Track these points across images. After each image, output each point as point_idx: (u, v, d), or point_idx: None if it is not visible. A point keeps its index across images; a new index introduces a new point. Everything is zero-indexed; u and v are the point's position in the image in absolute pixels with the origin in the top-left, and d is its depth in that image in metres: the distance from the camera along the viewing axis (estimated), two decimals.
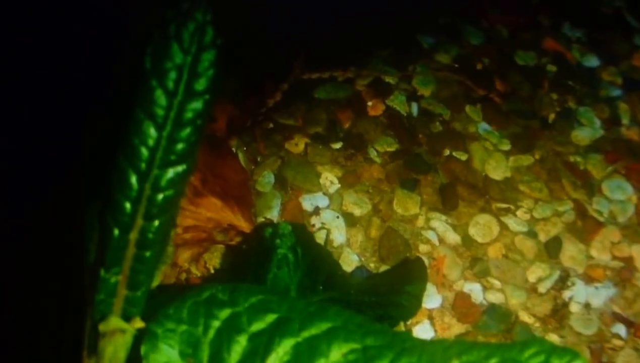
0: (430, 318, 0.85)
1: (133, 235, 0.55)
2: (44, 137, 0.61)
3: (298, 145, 0.95)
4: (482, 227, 0.91)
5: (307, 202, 0.91)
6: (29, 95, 0.60)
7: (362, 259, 0.88)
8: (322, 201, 0.91)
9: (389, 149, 0.96)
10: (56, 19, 0.60)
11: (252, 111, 0.97)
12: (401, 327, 0.82)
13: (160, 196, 0.54)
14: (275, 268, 0.72)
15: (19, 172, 0.61)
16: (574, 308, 0.87)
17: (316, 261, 0.75)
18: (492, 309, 0.86)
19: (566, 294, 0.88)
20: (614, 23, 1.17)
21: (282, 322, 0.48)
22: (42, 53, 0.61)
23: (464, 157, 0.97)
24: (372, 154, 0.95)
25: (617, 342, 0.85)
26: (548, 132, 1.02)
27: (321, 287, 0.73)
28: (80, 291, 0.58)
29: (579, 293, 0.88)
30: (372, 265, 0.87)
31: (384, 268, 0.87)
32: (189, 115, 0.53)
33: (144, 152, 0.53)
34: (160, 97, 0.52)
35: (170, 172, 0.54)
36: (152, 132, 0.53)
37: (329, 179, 0.93)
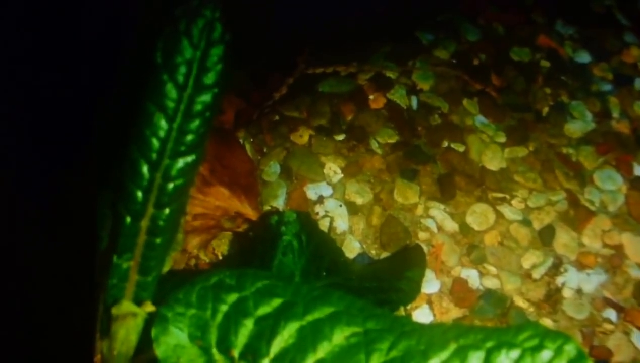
0: (429, 302, 0.85)
1: (144, 223, 0.55)
2: (54, 130, 0.61)
3: (303, 136, 0.95)
4: (478, 216, 0.91)
5: (312, 191, 0.91)
6: (36, 90, 0.60)
7: (364, 246, 0.87)
8: (325, 190, 0.91)
9: (389, 141, 0.96)
10: (61, 15, 0.60)
11: (259, 104, 0.97)
12: (401, 311, 0.82)
13: (171, 185, 0.54)
14: (281, 255, 0.72)
15: (31, 164, 0.61)
16: (566, 293, 0.87)
17: (320, 248, 0.75)
18: (488, 294, 0.86)
19: (559, 280, 0.88)
20: (604, 21, 1.17)
21: (287, 306, 0.48)
22: (48, 49, 0.60)
23: (461, 149, 0.97)
24: (374, 145, 0.95)
25: (608, 326, 0.85)
26: (542, 124, 1.01)
27: (324, 273, 0.73)
28: (93, 276, 0.58)
29: (571, 279, 0.88)
30: (373, 251, 0.87)
31: (384, 254, 0.87)
32: (198, 107, 0.53)
33: (155, 142, 0.53)
34: (171, 91, 0.52)
35: (180, 162, 0.54)
36: (163, 123, 0.53)
37: (333, 169, 0.92)
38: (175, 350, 0.48)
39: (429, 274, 0.86)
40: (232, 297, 0.49)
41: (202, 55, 0.52)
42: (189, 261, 0.84)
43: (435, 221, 0.90)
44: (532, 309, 0.85)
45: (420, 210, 0.91)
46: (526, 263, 0.88)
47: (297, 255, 0.72)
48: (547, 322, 0.85)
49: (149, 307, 0.56)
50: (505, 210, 0.92)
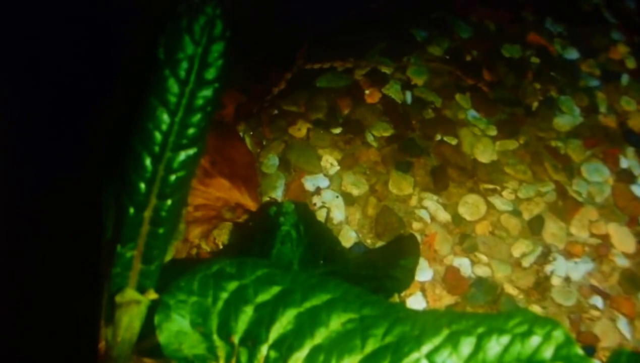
0: (423, 290, 0.85)
1: (147, 213, 0.55)
2: (60, 125, 0.61)
3: (301, 130, 0.95)
4: (470, 206, 0.91)
5: (309, 183, 0.91)
6: (42, 86, 0.60)
7: (360, 236, 0.87)
8: (322, 182, 0.91)
9: (384, 134, 0.96)
10: (65, 12, 0.60)
11: (258, 98, 0.97)
12: (395, 298, 0.82)
13: (173, 177, 0.54)
14: (279, 244, 0.72)
15: (38, 157, 0.61)
16: (555, 281, 0.87)
17: (317, 237, 0.75)
18: (480, 282, 0.86)
19: (548, 268, 0.88)
20: (592, 19, 1.17)
21: (286, 293, 0.48)
22: (53, 46, 0.60)
23: (454, 142, 0.96)
24: (369, 138, 0.95)
25: (595, 313, 0.85)
26: (531, 119, 1.01)
27: (322, 261, 0.73)
28: (98, 265, 0.58)
29: (559, 268, 0.88)
30: (369, 241, 0.87)
31: (380, 244, 0.87)
32: (199, 102, 0.53)
33: (158, 136, 0.53)
34: (173, 86, 0.52)
35: (182, 155, 0.54)
36: (165, 117, 0.53)
37: (329, 161, 0.92)
38: (177, 336, 0.48)
39: (423, 263, 0.86)
40: (233, 285, 0.49)
41: (203, 51, 0.52)
42: (190, 250, 0.84)
43: (428, 211, 0.90)
44: (521, 296, 0.85)
45: (414, 201, 0.90)
46: (516, 252, 0.88)
47: (295, 245, 0.72)
48: (536, 309, 0.85)
49: (152, 295, 0.56)
50: (496, 201, 0.92)
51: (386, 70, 1.03)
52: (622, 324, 0.85)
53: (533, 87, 1.05)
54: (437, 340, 0.42)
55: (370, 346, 0.44)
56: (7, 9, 0.55)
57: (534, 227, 0.91)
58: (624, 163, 0.98)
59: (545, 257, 0.88)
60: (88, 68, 0.62)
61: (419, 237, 0.86)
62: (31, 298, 0.57)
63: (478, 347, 0.41)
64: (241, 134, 0.93)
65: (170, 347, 0.48)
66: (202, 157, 0.55)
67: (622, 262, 0.89)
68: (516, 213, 0.91)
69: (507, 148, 0.97)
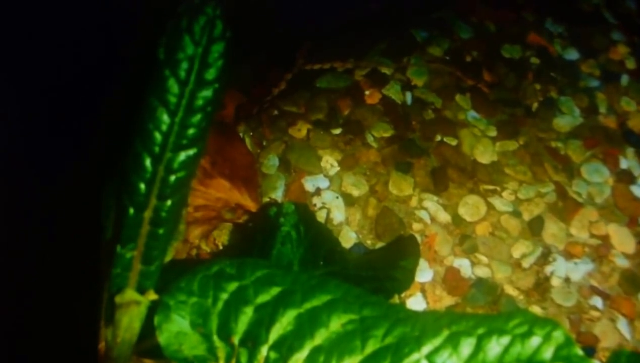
0: (423, 291, 0.85)
1: (147, 214, 0.55)
2: (61, 125, 0.61)
3: (301, 130, 0.95)
4: (470, 207, 0.91)
5: (309, 184, 0.91)
6: (43, 86, 0.60)
7: (360, 236, 0.87)
8: (323, 182, 0.91)
9: (385, 135, 0.96)
10: (67, 12, 0.60)
11: (259, 99, 0.97)
12: (396, 299, 0.82)
13: (173, 177, 0.54)
14: (280, 245, 0.72)
15: (39, 157, 0.61)
16: (554, 282, 0.87)
17: (317, 238, 0.75)
18: (480, 283, 0.86)
19: (548, 269, 0.88)
20: (592, 19, 1.17)
21: (286, 294, 0.48)
22: (53, 45, 0.60)
23: (454, 143, 0.96)
24: (370, 139, 0.95)
25: (595, 313, 0.85)
26: (532, 119, 1.01)
27: (322, 262, 0.73)
28: (98, 266, 0.58)
29: (559, 268, 0.88)
30: (369, 241, 0.87)
31: (380, 244, 0.87)
32: (199, 102, 0.53)
33: (158, 136, 0.53)
34: (173, 86, 0.52)
35: (182, 155, 0.54)
36: (165, 118, 0.52)
37: (330, 162, 0.92)
38: (177, 337, 0.48)
39: (423, 263, 0.86)
40: (233, 286, 0.49)
41: (203, 52, 0.52)
42: (190, 251, 0.84)
43: (428, 212, 0.90)
44: (521, 297, 0.85)
45: (414, 202, 0.90)
46: (516, 253, 0.88)
47: (295, 245, 0.72)
48: (536, 310, 0.85)
49: (152, 296, 0.56)
50: (496, 201, 0.92)
51: (386, 70, 1.03)
52: (622, 325, 0.85)
53: (533, 87, 1.05)
54: (437, 341, 0.42)
55: (371, 347, 0.44)
56: (7, 8, 0.55)
57: (534, 227, 0.91)
58: (623, 163, 0.98)
59: (545, 257, 0.88)
60: (88, 68, 0.62)
61: (419, 238, 0.86)
62: (31, 298, 0.57)
63: (478, 348, 0.41)
64: (241, 134, 0.93)
65: (171, 348, 0.48)
66: (202, 157, 0.55)
67: (622, 263, 0.89)
68: (516, 214, 0.91)
69: (507, 149, 0.97)
